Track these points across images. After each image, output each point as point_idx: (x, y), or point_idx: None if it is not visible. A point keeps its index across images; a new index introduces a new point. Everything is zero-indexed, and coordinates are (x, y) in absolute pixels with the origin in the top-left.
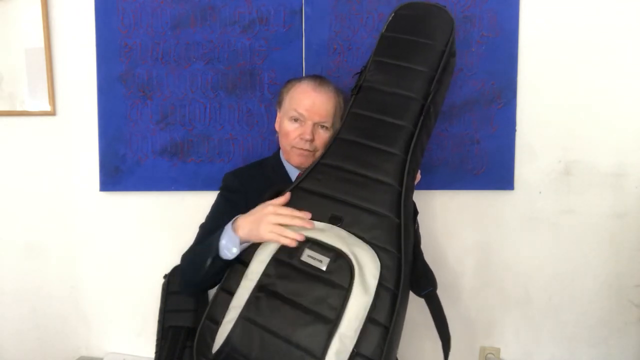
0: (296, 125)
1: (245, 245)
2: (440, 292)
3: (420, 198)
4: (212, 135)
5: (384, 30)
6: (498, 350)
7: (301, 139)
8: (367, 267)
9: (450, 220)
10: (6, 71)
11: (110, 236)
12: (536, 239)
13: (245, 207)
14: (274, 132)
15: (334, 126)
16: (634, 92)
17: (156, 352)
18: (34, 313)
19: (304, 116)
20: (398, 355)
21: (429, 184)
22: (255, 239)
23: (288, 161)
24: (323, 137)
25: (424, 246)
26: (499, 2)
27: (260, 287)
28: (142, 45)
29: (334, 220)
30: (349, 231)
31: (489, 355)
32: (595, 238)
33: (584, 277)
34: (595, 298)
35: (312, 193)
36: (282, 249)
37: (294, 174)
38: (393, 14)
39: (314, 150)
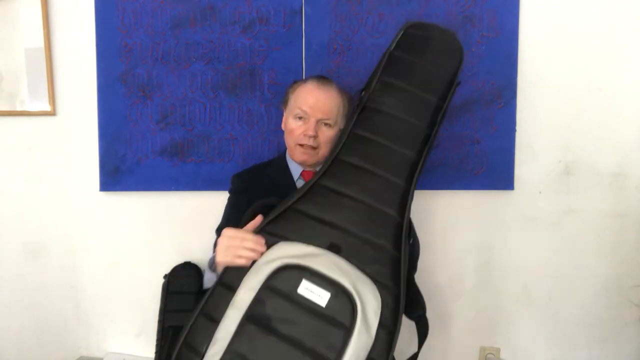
0: (300, 122)
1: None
2: (440, 291)
3: (420, 198)
4: (212, 135)
5: (392, 48)
6: (498, 350)
7: (305, 135)
8: (370, 305)
9: (450, 220)
10: (6, 71)
11: (110, 236)
12: (536, 239)
13: (248, 205)
14: (274, 132)
15: (337, 124)
16: (634, 92)
17: (156, 352)
18: (34, 313)
19: (308, 113)
20: (397, 355)
21: (429, 184)
22: (219, 266)
23: (292, 158)
24: (327, 134)
25: (424, 246)
26: (499, 2)
27: (251, 318)
28: (142, 45)
29: (333, 249)
30: (348, 261)
31: (489, 355)
32: (595, 238)
33: (584, 277)
34: (595, 298)
35: (309, 217)
36: (276, 276)
37: (297, 172)
38: (403, 32)
39: (318, 147)
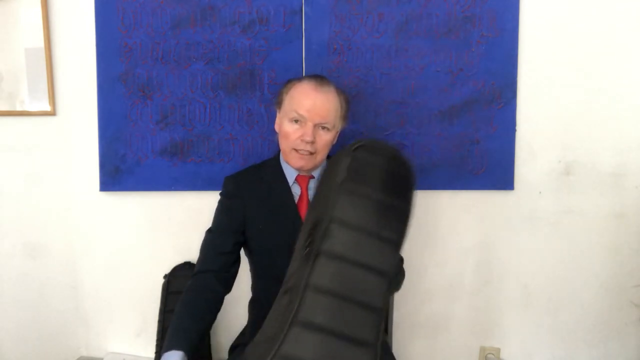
0: (296, 126)
1: None
2: (440, 291)
3: (421, 198)
4: (212, 135)
5: (342, 179)
6: (498, 350)
7: (302, 140)
8: None
9: (450, 220)
10: (6, 71)
11: (110, 236)
12: (536, 239)
13: (243, 210)
14: (274, 132)
15: (334, 127)
16: (634, 92)
17: (156, 352)
18: (34, 313)
19: (305, 117)
20: (398, 355)
21: (429, 184)
22: None
23: (287, 162)
24: (324, 138)
25: (424, 246)
26: (499, 2)
27: None
28: (142, 45)
29: None
30: None
31: (489, 355)
32: (595, 238)
33: (583, 277)
34: (595, 298)
35: None
36: None
37: (291, 176)
38: (351, 158)
39: (315, 152)
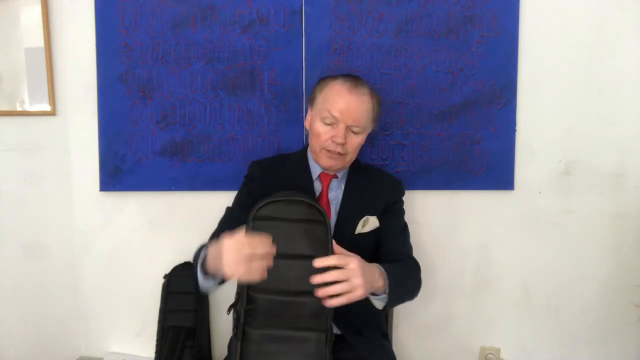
0: (328, 127)
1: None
2: (440, 292)
3: (421, 198)
4: (212, 135)
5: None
6: (498, 350)
7: (333, 141)
8: None
9: (450, 220)
10: (6, 71)
11: (110, 236)
12: (536, 239)
13: (263, 195)
14: (274, 132)
15: (365, 130)
16: (634, 92)
17: (156, 352)
18: (34, 313)
19: (337, 119)
20: (398, 355)
21: (429, 184)
22: (223, 275)
23: (317, 162)
24: (354, 140)
25: (424, 245)
26: (499, 2)
27: None
28: (142, 45)
29: None
30: None
31: (489, 355)
32: (596, 238)
33: (584, 277)
34: (595, 298)
35: None
36: None
37: (315, 172)
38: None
39: (345, 154)
